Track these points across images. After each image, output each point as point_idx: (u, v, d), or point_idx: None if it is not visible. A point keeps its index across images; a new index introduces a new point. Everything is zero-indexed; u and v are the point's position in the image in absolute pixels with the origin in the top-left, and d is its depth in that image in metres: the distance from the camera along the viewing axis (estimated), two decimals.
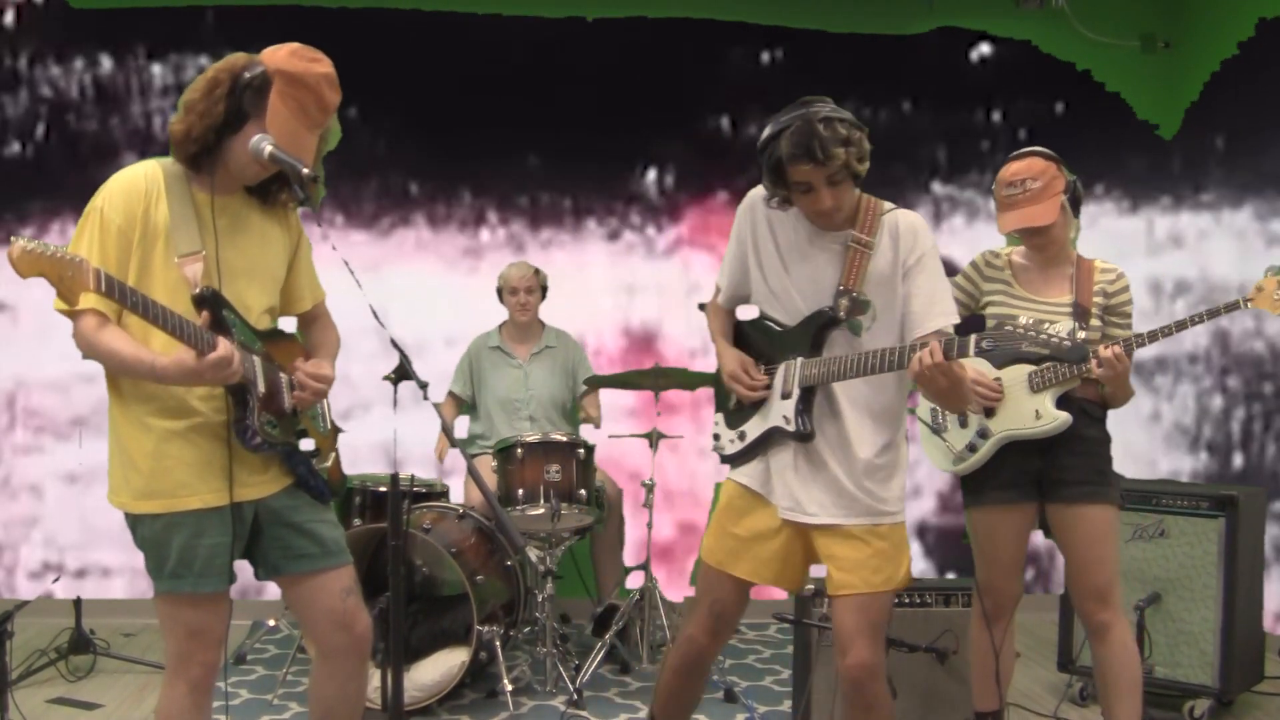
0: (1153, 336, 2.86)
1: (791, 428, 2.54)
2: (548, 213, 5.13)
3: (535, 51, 5.07)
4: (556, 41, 5.07)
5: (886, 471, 2.53)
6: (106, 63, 4.97)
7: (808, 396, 2.54)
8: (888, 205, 2.54)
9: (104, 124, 4.96)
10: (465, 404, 4.73)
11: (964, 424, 3.08)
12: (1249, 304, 2.82)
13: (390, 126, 5.05)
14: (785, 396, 2.56)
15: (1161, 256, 5.18)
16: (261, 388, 2.31)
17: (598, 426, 4.61)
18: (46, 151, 4.95)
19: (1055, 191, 2.93)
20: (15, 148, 4.96)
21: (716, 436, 2.74)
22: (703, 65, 5.15)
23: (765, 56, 5.18)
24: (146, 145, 4.94)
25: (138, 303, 2.10)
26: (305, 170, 2.21)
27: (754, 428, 2.63)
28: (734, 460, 2.68)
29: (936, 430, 3.14)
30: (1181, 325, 2.84)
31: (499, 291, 4.64)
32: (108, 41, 4.96)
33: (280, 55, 2.26)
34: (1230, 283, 4.76)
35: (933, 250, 2.50)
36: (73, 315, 2.20)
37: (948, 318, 2.46)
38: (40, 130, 4.96)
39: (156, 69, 4.98)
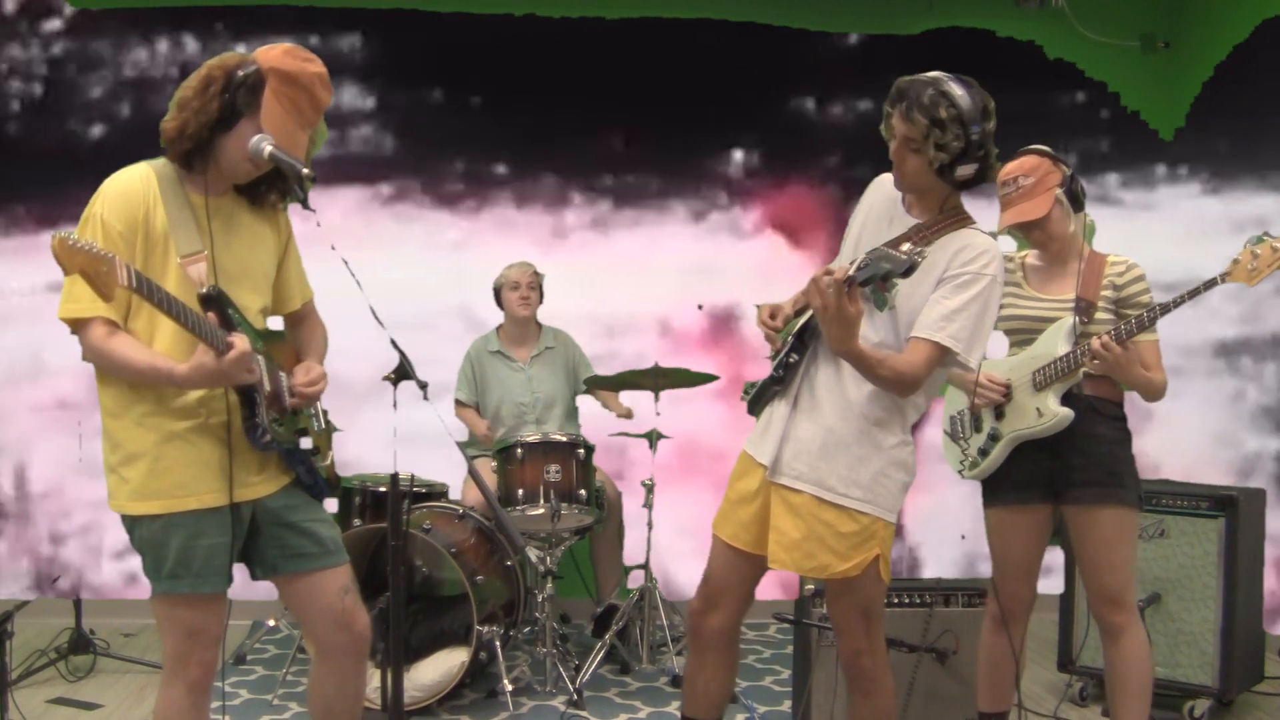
0: (1140, 323, 2.81)
1: (771, 370, 2.59)
2: (632, 193, 5.14)
3: (620, 47, 5.08)
4: (639, 38, 5.09)
5: (861, 452, 2.47)
6: (191, 44, 4.96)
7: (800, 346, 2.55)
8: (976, 224, 2.50)
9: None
10: (471, 409, 4.72)
11: (978, 428, 3.08)
12: (1226, 279, 2.79)
13: (475, 108, 5.07)
14: (784, 345, 2.58)
15: (1161, 256, 5.18)
16: (268, 386, 2.33)
17: (630, 416, 4.57)
18: (130, 134, 4.92)
19: (1048, 186, 2.91)
20: (98, 130, 4.93)
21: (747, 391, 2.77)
22: (721, 63, 5.14)
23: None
24: None
25: (163, 299, 2.11)
26: (305, 171, 2.22)
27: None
28: (749, 408, 2.70)
29: (954, 437, 3.14)
30: (1165, 309, 2.80)
31: (496, 292, 4.63)
32: (190, 24, 4.96)
33: (274, 54, 2.27)
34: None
35: (984, 278, 2.39)
36: (79, 323, 2.20)
37: (954, 340, 2.38)
38: (125, 112, 4.94)
39: (242, 50, 4.97)
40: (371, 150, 5.06)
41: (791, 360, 2.57)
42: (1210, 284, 2.77)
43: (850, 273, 2.24)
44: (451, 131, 5.06)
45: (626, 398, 4.62)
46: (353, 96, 5.03)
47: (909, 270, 2.20)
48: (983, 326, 2.43)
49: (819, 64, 5.18)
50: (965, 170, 2.41)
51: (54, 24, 4.92)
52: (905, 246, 2.23)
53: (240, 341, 2.17)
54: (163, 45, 4.95)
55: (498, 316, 4.76)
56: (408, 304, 4.83)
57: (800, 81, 5.18)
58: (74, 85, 4.92)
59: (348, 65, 5.01)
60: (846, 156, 5.17)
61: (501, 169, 5.10)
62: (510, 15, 5.03)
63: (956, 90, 2.39)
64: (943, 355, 2.41)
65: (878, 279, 2.24)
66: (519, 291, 4.57)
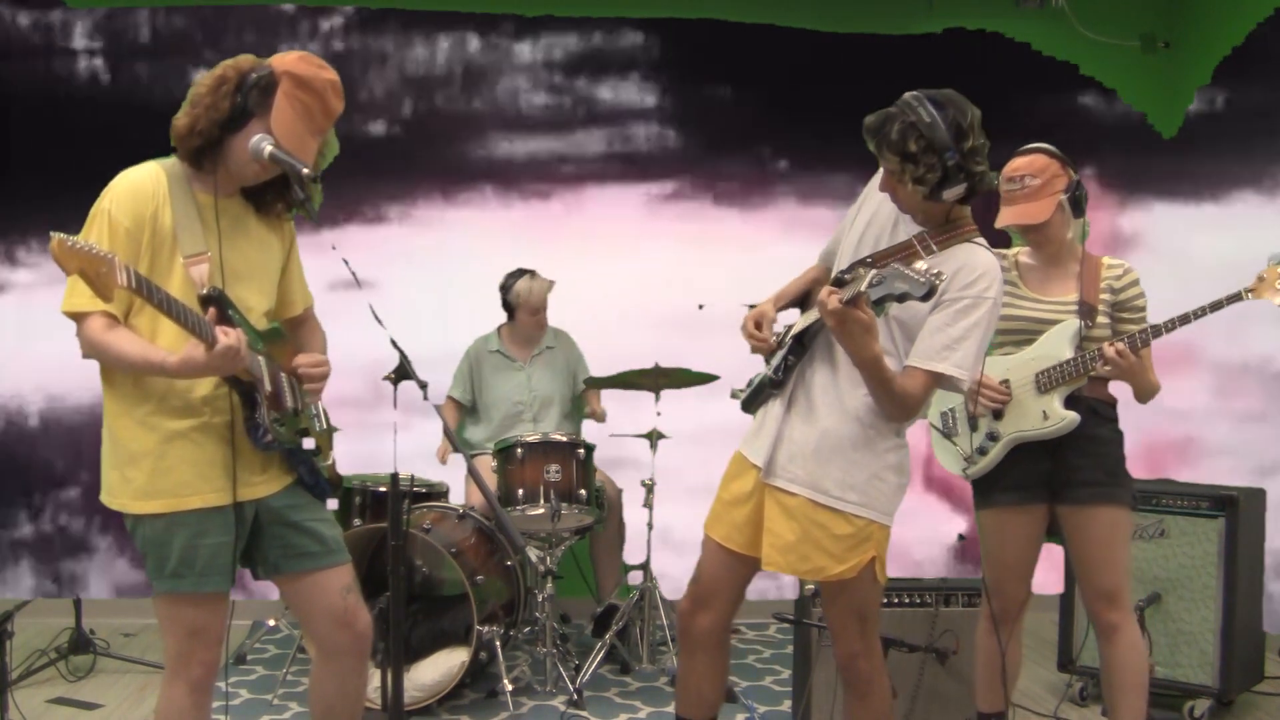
0: (1156, 332, 2.84)
1: (769, 373, 2.58)
2: (789, 201, 5.14)
3: (788, 52, 5.12)
4: (811, 44, 5.13)
5: (856, 455, 2.46)
6: (474, 42, 4.99)
7: (798, 349, 2.54)
8: (981, 240, 2.48)
9: (468, 103, 4.99)
10: (466, 409, 4.73)
11: (974, 427, 3.07)
12: (1250, 295, 2.80)
13: (758, 105, 5.09)
14: (780, 346, 2.58)
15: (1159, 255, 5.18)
16: (268, 386, 2.33)
17: (602, 421, 4.60)
18: (412, 131, 4.97)
19: (1054, 190, 2.90)
20: (378, 127, 4.96)
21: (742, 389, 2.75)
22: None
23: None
24: (511, 125, 5.01)
25: (162, 300, 2.11)
26: (305, 170, 2.22)
27: (757, 378, 2.67)
28: (743, 406, 2.70)
29: (946, 434, 3.14)
30: (1185, 319, 2.82)
31: (510, 305, 4.58)
32: (477, 21, 4.99)
33: (289, 59, 2.29)
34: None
35: (985, 302, 2.37)
36: (79, 317, 2.20)
37: (958, 369, 2.37)
38: (406, 110, 4.97)
39: (525, 46, 5.02)
40: (654, 148, 5.08)
41: (789, 362, 2.56)
42: (1234, 298, 2.80)
43: (862, 288, 2.19)
44: (734, 128, 5.07)
45: (630, 398, 4.62)
46: (634, 93, 5.06)
47: (928, 294, 2.12)
48: (983, 350, 2.44)
49: (990, 64, 5.18)
50: (952, 192, 2.38)
51: (334, 21, 4.94)
52: (920, 265, 2.15)
53: (227, 335, 2.15)
54: (444, 43, 4.98)
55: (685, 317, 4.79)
56: (687, 303, 4.81)
57: (974, 82, 5.14)
58: (354, 83, 4.93)
59: (632, 61, 5.04)
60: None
61: (784, 165, 5.11)
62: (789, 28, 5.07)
63: (925, 118, 2.33)
64: (941, 381, 2.41)
65: (893, 298, 2.18)
66: (537, 318, 4.57)
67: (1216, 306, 2.80)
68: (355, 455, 4.08)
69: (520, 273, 4.58)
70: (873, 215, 2.59)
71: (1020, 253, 3.09)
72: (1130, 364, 2.82)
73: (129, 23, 4.88)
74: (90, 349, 2.22)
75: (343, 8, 4.93)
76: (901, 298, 2.15)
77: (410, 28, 4.96)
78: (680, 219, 5.06)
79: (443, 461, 4.56)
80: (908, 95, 2.40)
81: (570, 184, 5.06)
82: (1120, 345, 2.82)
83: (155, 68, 4.89)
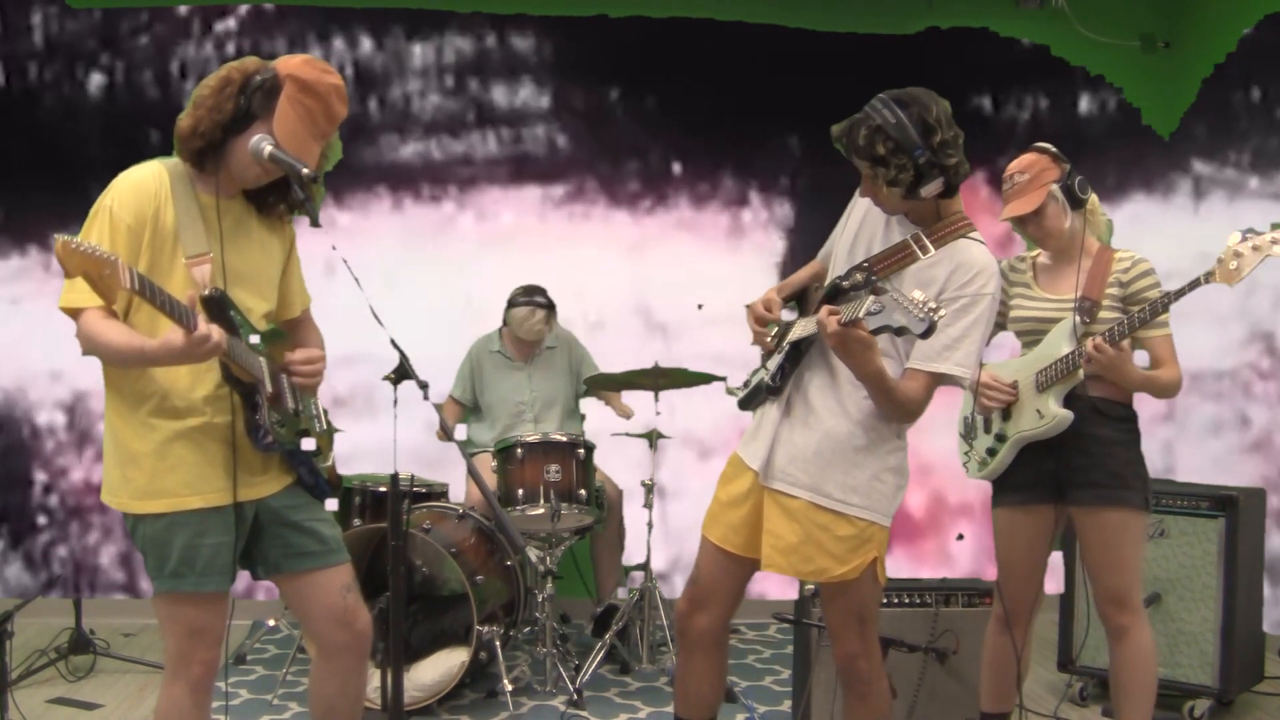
0: (1131, 324, 2.81)
1: (768, 379, 2.58)
2: (808, 194, 5.16)
3: (796, 49, 5.12)
4: (815, 43, 5.14)
5: (856, 457, 2.47)
6: (367, 44, 4.98)
7: (795, 355, 2.54)
8: (975, 233, 2.48)
9: (361, 105, 4.96)
10: (467, 409, 4.73)
11: (988, 429, 3.07)
12: (1210, 279, 2.78)
13: (652, 110, 5.11)
14: (778, 351, 2.58)
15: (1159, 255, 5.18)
16: (269, 387, 2.33)
17: (629, 416, 4.58)
18: None
19: (1042, 183, 2.90)
20: None
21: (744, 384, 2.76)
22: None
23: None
24: (405, 125, 4.99)
25: (165, 302, 2.11)
26: (305, 170, 2.22)
27: (755, 377, 2.69)
28: (741, 405, 2.72)
29: (967, 438, 3.14)
30: (1155, 309, 2.80)
31: (506, 320, 4.57)
32: (366, 24, 4.98)
33: (294, 63, 2.29)
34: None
35: (984, 298, 2.39)
36: (77, 313, 2.20)
37: (959, 368, 2.38)
38: None
39: (417, 49, 5.00)
40: (548, 150, 5.07)
41: (786, 369, 2.57)
42: (1194, 284, 2.77)
43: (860, 315, 2.19)
44: (628, 131, 5.08)
45: (630, 398, 4.62)
46: (529, 96, 5.04)
47: (928, 332, 2.12)
48: (983, 346, 2.44)
49: (991, 64, 5.21)
50: (930, 189, 2.38)
51: (227, 24, 4.90)
52: (918, 295, 2.13)
53: (205, 326, 2.13)
54: (338, 44, 4.96)
55: (678, 318, 4.84)
56: (584, 304, 4.92)
57: (974, 82, 5.20)
58: None
59: (524, 64, 5.03)
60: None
61: (678, 168, 5.12)
62: (687, 19, 5.07)
63: (890, 119, 2.34)
64: (943, 381, 2.42)
65: (890, 330, 2.16)
66: (523, 350, 4.59)
67: (1180, 293, 2.77)
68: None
69: (529, 297, 4.49)
70: (864, 217, 2.59)
71: (1039, 254, 3.09)
72: (1109, 358, 2.77)
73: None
74: (87, 344, 2.22)
75: (236, 8, 4.88)
76: (900, 331, 2.15)
77: (304, 28, 4.92)
78: (573, 220, 5.04)
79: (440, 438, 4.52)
80: (874, 99, 2.41)
81: (464, 186, 5.04)
82: (1099, 339, 2.79)
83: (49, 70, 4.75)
